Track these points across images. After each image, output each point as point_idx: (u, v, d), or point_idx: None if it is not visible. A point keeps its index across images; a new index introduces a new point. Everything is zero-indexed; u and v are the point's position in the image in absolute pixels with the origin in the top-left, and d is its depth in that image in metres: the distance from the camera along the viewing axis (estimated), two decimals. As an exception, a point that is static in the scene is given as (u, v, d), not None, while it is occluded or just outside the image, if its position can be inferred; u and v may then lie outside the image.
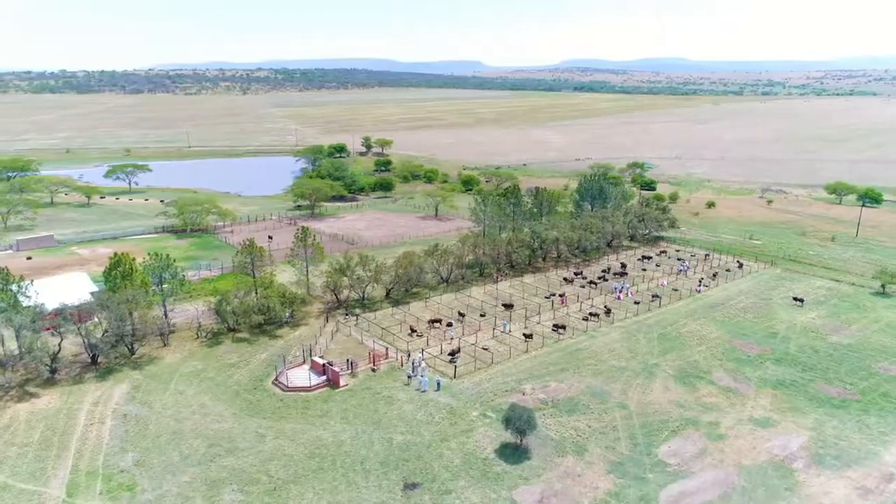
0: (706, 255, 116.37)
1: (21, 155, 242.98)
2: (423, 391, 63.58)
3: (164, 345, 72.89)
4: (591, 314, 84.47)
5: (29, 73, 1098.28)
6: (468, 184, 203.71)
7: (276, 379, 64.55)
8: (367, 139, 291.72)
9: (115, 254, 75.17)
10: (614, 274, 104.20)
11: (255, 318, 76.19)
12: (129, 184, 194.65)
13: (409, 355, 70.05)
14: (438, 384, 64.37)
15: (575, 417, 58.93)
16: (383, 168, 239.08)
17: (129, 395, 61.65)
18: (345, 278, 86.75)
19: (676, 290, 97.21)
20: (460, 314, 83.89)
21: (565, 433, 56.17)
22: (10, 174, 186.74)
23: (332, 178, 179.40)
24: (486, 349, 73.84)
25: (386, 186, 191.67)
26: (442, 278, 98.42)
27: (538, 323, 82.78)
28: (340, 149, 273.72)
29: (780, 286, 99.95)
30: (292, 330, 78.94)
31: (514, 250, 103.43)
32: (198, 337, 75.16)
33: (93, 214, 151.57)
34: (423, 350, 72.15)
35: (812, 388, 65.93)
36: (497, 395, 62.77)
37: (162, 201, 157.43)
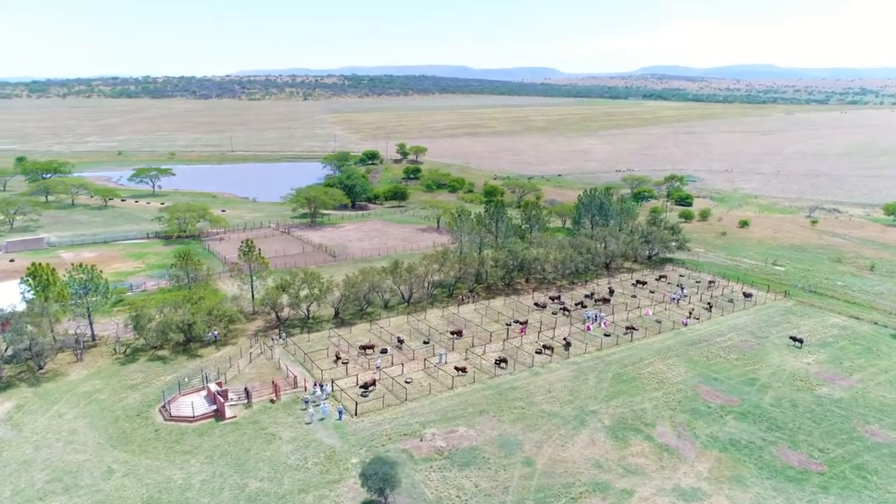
0: (710, 281, 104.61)
1: (67, 158, 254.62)
2: (322, 419, 58.08)
3: (77, 360, 70.16)
4: (544, 347, 75.98)
5: (116, 78, 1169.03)
6: (491, 194, 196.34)
7: (163, 406, 60.21)
8: (401, 146, 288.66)
9: (33, 264, 73.41)
10: (596, 300, 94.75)
11: (173, 335, 72.42)
12: (154, 187, 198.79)
13: (316, 384, 64.20)
14: (341, 413, 58.64)
15: (465, 473, 51.30)
16: (412, 176, 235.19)
17: (6, 416, 58.84)
18: (285, 295, 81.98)
19: (660, 321, 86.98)
20: (399, 340, 77.28)
21: (444, 492, 48.70)
22: (45, 175, 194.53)
23: (343, 187, 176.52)
24: (408, 382, 66.99)
25: (401, 195, 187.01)
26: (403, 298, 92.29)
27: (482, 354, 75.10)
28: (373, 156, 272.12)
29: (784, 322, 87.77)
30: (217, 349, 74.70)
31: (485, 270, 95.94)
32: (115, 353, 72.11)
33: (101, 217, 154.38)
34: (332, 381, 66.11)
35: (770, 452, 55.40)
36: (391, 440, 55.92)
37: (162, 204, 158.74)
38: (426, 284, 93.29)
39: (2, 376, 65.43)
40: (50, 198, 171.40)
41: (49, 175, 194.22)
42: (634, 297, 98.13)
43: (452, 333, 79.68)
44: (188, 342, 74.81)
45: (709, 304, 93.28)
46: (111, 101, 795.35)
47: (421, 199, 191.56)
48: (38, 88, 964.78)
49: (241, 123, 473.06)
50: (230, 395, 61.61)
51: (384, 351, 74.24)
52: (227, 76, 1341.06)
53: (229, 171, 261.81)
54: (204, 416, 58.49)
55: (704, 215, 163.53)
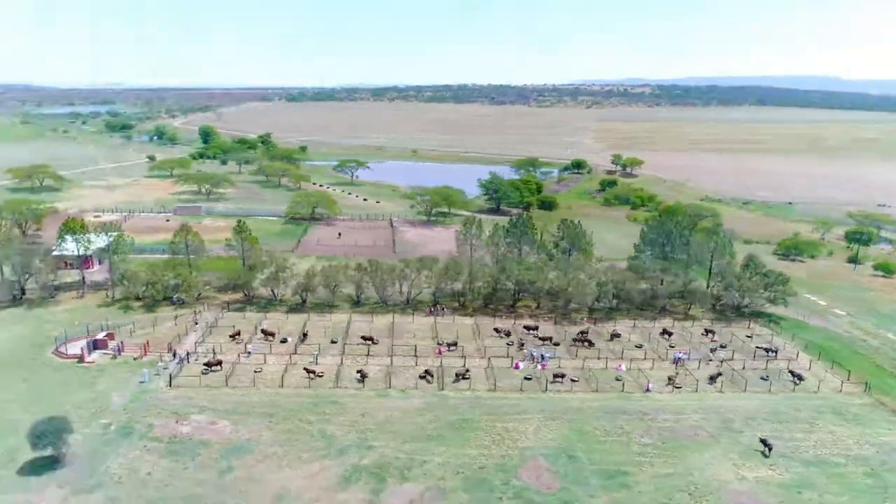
0: (769, 349, 77.61)
1: (344, 149, 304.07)
2: (142, 381, 63.73)
3: (78, 297, 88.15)
4: (426, 372, 67.85)
5: (425, 87, 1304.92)
6: (669, 214, 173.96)
7: (63, 342, 71.99)
8: (617, 157, 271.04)
9: (67, 219, 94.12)
10: (576, 340, 79.34)
11: (150, 291, 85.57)
12: (352, 177, 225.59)
13: (172, 352, 69.76)
14: (146, 376, 64.48)
15: (172, 459, 51.04)
16: (604, 188, 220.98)
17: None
18: (258, 276, 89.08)
19: (620, 379, 69.24)
20: (304, 335, 77.35)
21: (128, 469, 49.46)
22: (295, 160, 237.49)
23: (487, 192, 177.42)
24: (257, 371, 67.55)
25: (548, 205, 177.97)
26: (380, 299, 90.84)
27: (365, 364, 70.57)
28: (579, 165, 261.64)
29: (806, 421, 61.67)
30: (174, 310, 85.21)
31: (469, 284, 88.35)
32: (107, 297, 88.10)
33: (280, 196, 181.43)
34: (188, 354, 70.35)
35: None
36: (160, 413, 58.10)
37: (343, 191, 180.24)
38: (402, 289, 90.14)
39: (24, 293, 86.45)
40: (269, 178, 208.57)
41: (295, 161, 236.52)
42: (641, 346, 79.20)
43: (364, 339, 76.36)
44: (162, 300, 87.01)
45: (714, 375, 70.24)
46: (423, 104, 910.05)
47: (566, 212, 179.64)
48: (378, 93, 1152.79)
49: (507, 128, 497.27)
50: (109, 345, 70.91)
51: (283, 340, 75.55)
52: (561, 85, 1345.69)
53: (440, 169, 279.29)
54: (73, 357, 68.74)
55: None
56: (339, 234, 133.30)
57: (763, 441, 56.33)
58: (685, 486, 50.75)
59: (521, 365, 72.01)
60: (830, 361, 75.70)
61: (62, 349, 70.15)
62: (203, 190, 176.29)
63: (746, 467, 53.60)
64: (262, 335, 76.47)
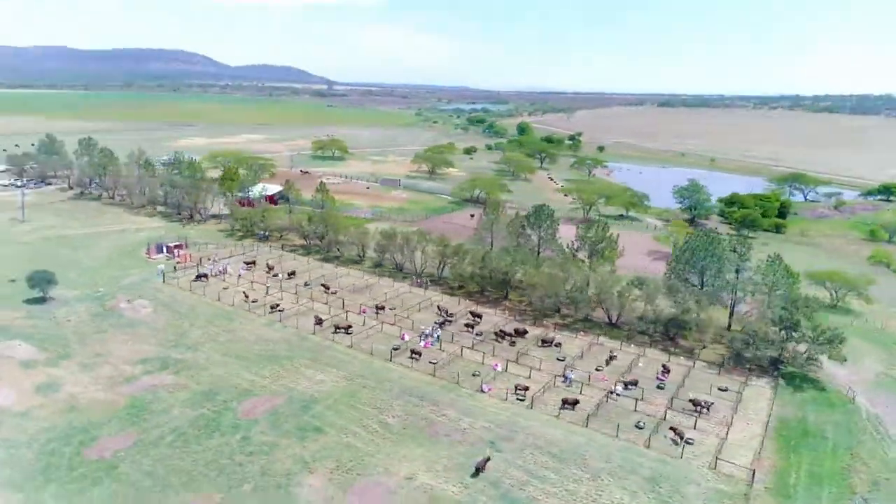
0: (697, 403, 59.44)
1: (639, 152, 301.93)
2: (157, 276, 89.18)
3: (218, 223, 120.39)
4: (319, 319, 75.30)
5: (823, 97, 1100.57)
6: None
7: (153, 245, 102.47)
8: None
9: (226, 168, 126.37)
10: (504, 332, 74.33)
11: (241, 224, 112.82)
12: (588, 174, 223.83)
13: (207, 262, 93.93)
14: (160, 272, 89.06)
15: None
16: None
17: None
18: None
19: (477, 375, 64.96)
20: (291, 273, 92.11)
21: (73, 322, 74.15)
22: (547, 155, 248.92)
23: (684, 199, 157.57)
24: (224, 289, 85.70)
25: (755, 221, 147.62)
26: (398, 265, 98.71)
27: (295, 303, 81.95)
28: (889, 189, 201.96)
29: (601, 478, 49.87)
30: (254, 241, 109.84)
31: (460, 266, 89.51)
32: (230, 227, 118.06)
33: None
34: (206, 267, 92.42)
35: None
36: (129, 292, 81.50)
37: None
38: (414, 259, 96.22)
39: (192, 216, 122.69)
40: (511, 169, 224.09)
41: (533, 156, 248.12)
42: (563, 359, 69.92)
43: (324, 287, 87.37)
44: (258, 233, 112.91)
45: (571, 400, 59.16)
46: (806, 114, 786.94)
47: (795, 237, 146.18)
48: (763, 102, 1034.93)
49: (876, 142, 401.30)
50: (175, 252, 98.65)
51: (275, 275, 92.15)
52: None
53: (721, 178, 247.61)
54: (148, 253, 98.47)
55: None
56: (472, 216, 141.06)
57: (479, 467, 48.91)
58: (359, 467, 49.77)
59: (407, 336, 73.16)
60: (788, 443, 54.81)
61: (147, 253, 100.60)
62: (429, 169, 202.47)
63: (442, 476, 48.38)
64: (268, 269, 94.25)
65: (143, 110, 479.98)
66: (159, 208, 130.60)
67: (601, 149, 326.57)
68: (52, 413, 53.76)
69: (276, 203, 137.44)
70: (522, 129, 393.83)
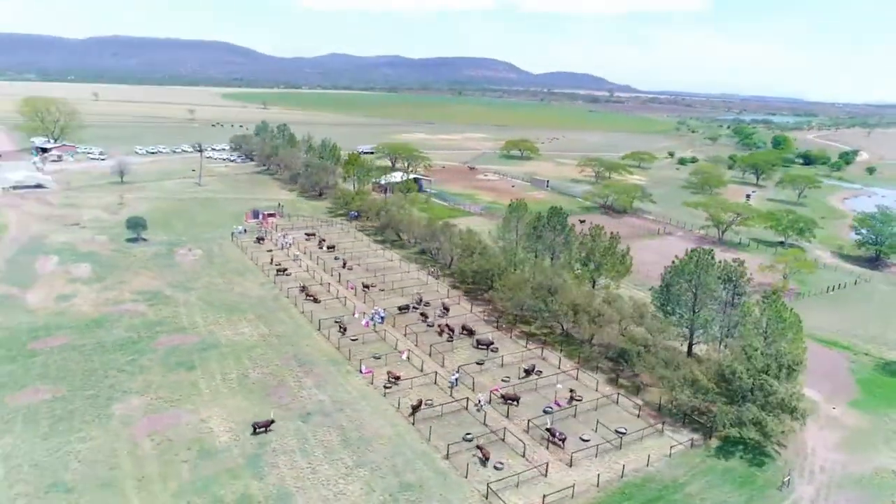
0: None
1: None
2: (233, 234, 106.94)
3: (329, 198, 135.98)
4: (304, 287, 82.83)
5: None
6: None
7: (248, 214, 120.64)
8: None
9: (350, 155, 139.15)
10: (449, 327, 72.25)
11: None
12: (798, 195, 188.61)
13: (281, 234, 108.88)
14: (238, 230, 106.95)
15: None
16: None
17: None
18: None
19: (378, 357, 65.86)
20: (330, 247, 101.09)
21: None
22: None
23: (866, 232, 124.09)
24: (269, 251, 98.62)
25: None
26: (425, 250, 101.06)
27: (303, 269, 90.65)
28: None
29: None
30: (350, 221, 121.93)
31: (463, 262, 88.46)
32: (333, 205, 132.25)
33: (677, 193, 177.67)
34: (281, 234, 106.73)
35: None
36: (205, 242, 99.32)
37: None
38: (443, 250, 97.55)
39: (321, 193, 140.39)
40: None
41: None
42: (481, 363, 65.97)
43: (342, 262, 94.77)
44: (345, 214, 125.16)
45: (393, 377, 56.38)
46: None
47: None
48: None
49: None
50: (262, 217, 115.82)
51: (327, 244, 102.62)
52: None
53: None
54: (246, 219, 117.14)
55: None
56: (581, 221, 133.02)
57: (257, 425, 51.29)
58: (181, 401, 56.96)
59: (357, 314, 76.28)
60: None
61: (248, 213, 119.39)
62: (597, 174, 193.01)
63: (229, 427, 52.43)
64: (320, 242, 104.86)
65: (403, 110, 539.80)
66: (301, 183, 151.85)
67: (871, 170, 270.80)
68: (47, 314, 71.31)
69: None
70: (778, 142, 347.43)
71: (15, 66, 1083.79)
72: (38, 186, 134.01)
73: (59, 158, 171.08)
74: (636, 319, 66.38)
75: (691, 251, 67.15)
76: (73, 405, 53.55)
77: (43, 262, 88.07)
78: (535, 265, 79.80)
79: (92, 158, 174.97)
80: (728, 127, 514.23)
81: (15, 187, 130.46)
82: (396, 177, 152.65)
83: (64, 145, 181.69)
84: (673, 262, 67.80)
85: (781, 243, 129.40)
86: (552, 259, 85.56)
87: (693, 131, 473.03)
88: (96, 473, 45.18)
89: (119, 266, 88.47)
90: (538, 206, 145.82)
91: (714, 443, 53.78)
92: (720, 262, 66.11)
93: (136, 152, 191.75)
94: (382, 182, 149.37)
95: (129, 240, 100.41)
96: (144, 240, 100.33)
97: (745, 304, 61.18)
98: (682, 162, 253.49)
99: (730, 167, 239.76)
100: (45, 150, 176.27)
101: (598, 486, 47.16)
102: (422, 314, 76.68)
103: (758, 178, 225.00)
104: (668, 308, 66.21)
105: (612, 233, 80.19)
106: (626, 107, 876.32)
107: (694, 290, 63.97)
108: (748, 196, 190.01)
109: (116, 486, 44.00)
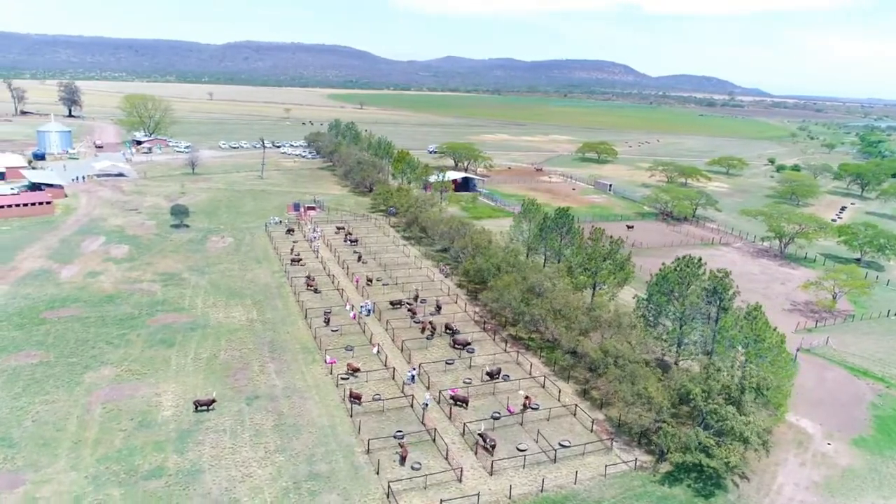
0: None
1: None
2: (267, 223, 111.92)
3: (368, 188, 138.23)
4: (310, 278, 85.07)
5: None
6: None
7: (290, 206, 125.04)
8: None
9: (405, 153, 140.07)
10: (431, 325, 71.34)
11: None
12: None
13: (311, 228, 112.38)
14: (273, 220, 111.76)
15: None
16: None
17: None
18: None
19: (351, 349, 66.50)
20: (353, 241, 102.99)
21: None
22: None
23: None
24: (295, 242, 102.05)
25: None
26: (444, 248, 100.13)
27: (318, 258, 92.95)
28: None
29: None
30: (388, 218, 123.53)
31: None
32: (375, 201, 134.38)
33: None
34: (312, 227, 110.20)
35: (82, 307, 72.47)
36: (244, 231, 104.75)
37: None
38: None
39: (371, 188, 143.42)
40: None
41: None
42: (451, 362, 64.66)
43: (356, 253, 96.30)
44: (385, 210, 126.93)
45: (348, 370, 56.06)
46: None
47: None
48: None
49: None
50: (302, 210, 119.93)
51: (350, 238, 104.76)
52: None
53: None
54: (288, 211, 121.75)
55: None
56: (630, 227, 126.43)
57: (198, 402, 53.46)
58: (147, 375, 60.63)
59: (350, 307, 77.17)
60: None
61: (290, 206, 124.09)
62: (669, 178, 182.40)
63: (178, 403, 55.06)
64: (347, 236, 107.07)
65: (497, 110, 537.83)
66: (353, 179, 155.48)
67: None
68: (71, 288, 78.30)
69: (457, 189, 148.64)
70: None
71: (159, 70, 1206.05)
72: (120, 175, 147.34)
73: (150, 150, 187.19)
74: (615, 329, 62.09)
75: (677, 259, 61.76)
76: (53, 370, 58.42)
77: (90, 242, 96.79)
78: (530, 267, 76.77)
79: (178, 151, 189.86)
80: (856, 134, 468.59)
81: (98, 175, 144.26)
82: (450, 175, 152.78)
83: (156, 139, 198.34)
84: (659, 270, 62.70)
85: (858, 260, 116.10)
86: (557, 261, 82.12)
87: (812, 138, 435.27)
88: (42, 433, 49.03)
89: (153, 249, 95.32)
90: (590, 210, 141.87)
91: (665, 467, 49.30)
92: (710, 272, 60.21)
93: (220, 147, 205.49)
94: (432, 180, 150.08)
95: (173, 226, 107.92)
96: (187, 226, 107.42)
97: (724, 320, 55.34)
98: (779, 169, 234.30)
99: (836, 177, 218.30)
100: (139, 143, 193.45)
101: (510, 497, 44.75)
102: (409, 310, 76.33)
103: (862, 190, 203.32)
104: (650, 319, 61.39)
105: (612, 237, 75.33)
106: (745, 111, 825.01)
107: (677, 302, 58.88)
108: (843, 208, 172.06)
109: (53, 446, 47.47)
